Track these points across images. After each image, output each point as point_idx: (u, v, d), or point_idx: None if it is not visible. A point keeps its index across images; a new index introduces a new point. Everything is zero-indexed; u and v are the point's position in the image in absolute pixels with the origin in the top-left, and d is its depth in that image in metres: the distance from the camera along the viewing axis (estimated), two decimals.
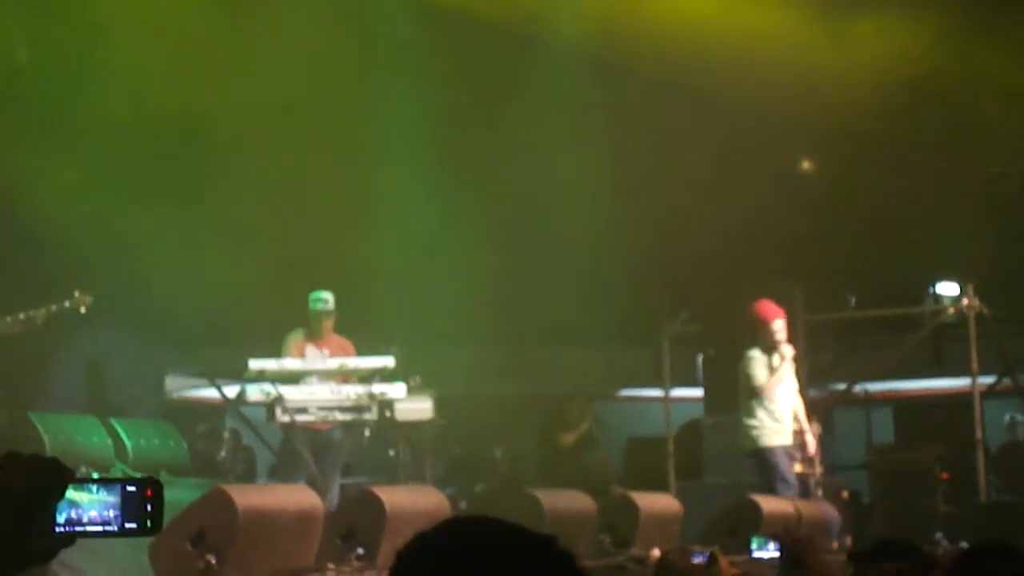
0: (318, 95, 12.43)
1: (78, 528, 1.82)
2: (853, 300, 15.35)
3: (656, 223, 13.31)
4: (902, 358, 15.07)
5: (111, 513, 1.84)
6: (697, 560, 6.71)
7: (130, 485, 1.86)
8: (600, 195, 12.53)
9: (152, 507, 1.86)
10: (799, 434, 11.68)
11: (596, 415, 14.19)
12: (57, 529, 1.79)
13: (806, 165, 14.57)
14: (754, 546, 5.26)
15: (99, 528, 1.83)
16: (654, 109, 12.79)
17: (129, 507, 1.85)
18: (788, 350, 11.60)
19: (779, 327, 11.55)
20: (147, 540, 7.48)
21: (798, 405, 11.73)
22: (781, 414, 11.52)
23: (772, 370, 11.49)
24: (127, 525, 1.85)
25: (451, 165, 12.84)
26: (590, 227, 12.70)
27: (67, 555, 6.47)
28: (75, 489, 1.80)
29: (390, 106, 12.71)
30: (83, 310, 10.71)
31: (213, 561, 7.12)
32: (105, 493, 1.84)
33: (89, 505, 1.82)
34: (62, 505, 1.79)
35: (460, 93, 12.95)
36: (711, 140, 12.89)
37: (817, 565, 4.87)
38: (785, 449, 11.52)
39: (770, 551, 5.15)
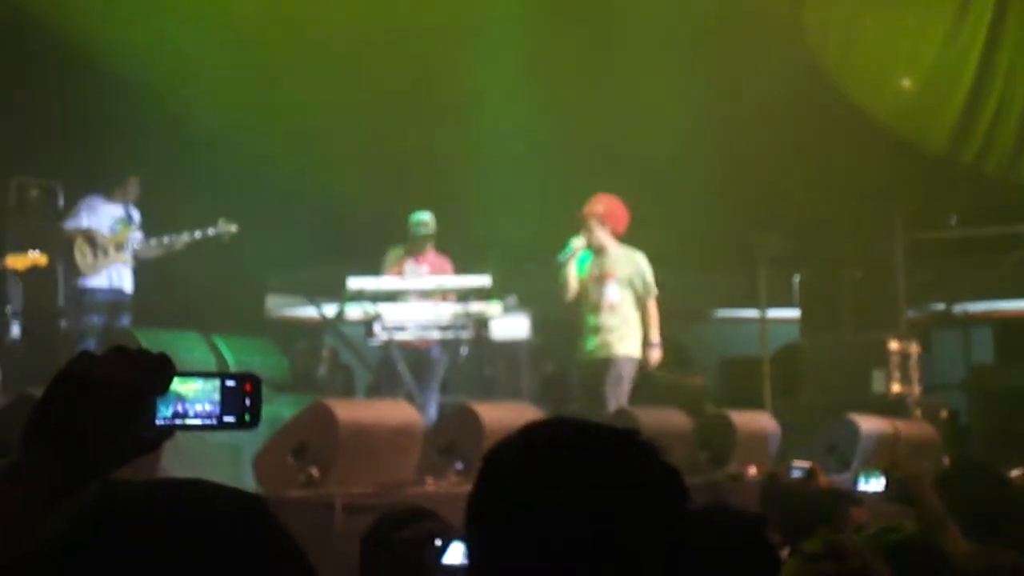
0: (419, 13, 12.45)
1: (178, 421, 1.82)
2: (954, 219, 15.14)
3: (753, 141, 13.15)
4: (1003, 277, 14.87)
5: (210, 407, 1.84)
6: (795, 475, 6.71)
7: (229, 380, 1.87)
8: (696, 112, 12.40)
9: (251, 402, 1.87)
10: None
11: None
12: (159, 422, 1.79)
13: (906, 83, 14.30)
14: (860, 479, 5.10)
15: (199, 422, 1.84)
16: (750, 22, 12.61)
17: (228, 401, 1.85)
18: (621, 256, 10.71)
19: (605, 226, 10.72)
20: (250, 455, 7.64)
21: (649, 315, 10.60)
22: (591, 322, 10.60)
23: (591, 273, 10.66)
24: (226, 419, 1.86)
25: (548, 85, 12.76)
26: (685, 145, 12.58)
27: (169, 465, 6.60)
28: (178, 382, 1.81)
29: (488, 23, 12.65)
30: (228, 238, 10.91)
31: (315, 473, 7.23)
32: (205, 387, 1.85)
33: (190, 399, 1.83)
34: (167, 399, 1.79)
35: (558, 12, 12.86)
36: (809, 55, 12.71)
37: (926, 504, 4.68)
38: (589, 363, 10.67)
39: (876, 484, 4.99)
